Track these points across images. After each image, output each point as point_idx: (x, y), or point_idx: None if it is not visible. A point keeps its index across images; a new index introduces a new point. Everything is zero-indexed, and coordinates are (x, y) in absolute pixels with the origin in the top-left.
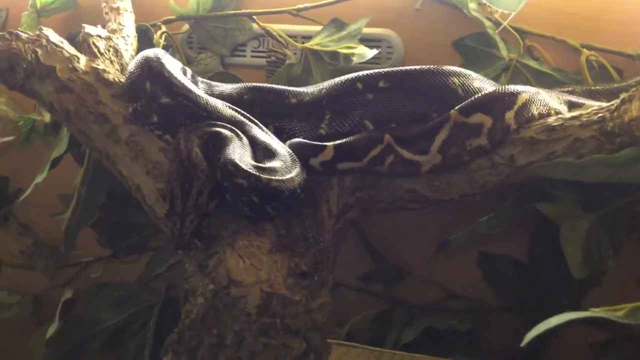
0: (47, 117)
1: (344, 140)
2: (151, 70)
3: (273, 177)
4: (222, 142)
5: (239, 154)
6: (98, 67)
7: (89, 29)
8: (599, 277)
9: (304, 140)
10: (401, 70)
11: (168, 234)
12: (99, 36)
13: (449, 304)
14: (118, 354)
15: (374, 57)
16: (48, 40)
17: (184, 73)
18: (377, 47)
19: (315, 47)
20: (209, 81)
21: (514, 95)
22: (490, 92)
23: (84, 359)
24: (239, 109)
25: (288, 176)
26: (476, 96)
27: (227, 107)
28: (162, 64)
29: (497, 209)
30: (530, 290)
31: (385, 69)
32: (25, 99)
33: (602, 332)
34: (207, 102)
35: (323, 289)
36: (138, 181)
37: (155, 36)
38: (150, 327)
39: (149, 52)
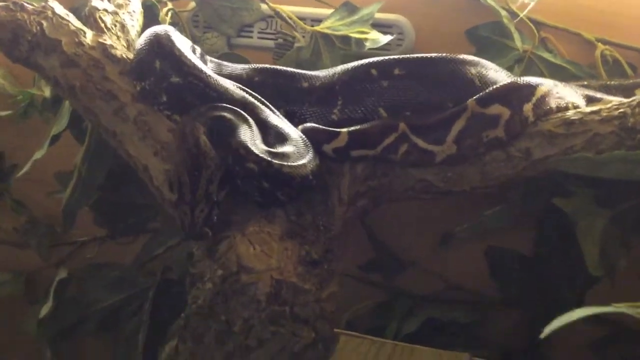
0: (46, 91)
1: (358, 126)
2: (161, 48)
3: (285, 163)
4: (228, 127)
5: (251, 137)
6: (105, 42)
7: (95, 2)
8: (610, 275)
9: (317, 126)
10: (417, 57)
11: (177, 223)
12: (106, 10)
13: (450, 296)
14: (112, 335)
15: (383, 43)
16: (54, 12)
17: (194, 51)
18: (387, 32)
19: (326, 31)
20: (218, 60)
21: (533, 87)
22: (509, 83)
23: (77, 340)
24: (250, 91)
25: (300, 162)
26: (495, 86)
27: (238, 89)
28: (172, 42)
29: (504, 202)
30: (534, 284)
31: (401, 56)
32: (23, 72)
33: (602, 329)
34: (218, 83)
35: (332, 278)
36: (146, 162)
37: (161, 13)
38: (145, 310)
39: (159, 29)
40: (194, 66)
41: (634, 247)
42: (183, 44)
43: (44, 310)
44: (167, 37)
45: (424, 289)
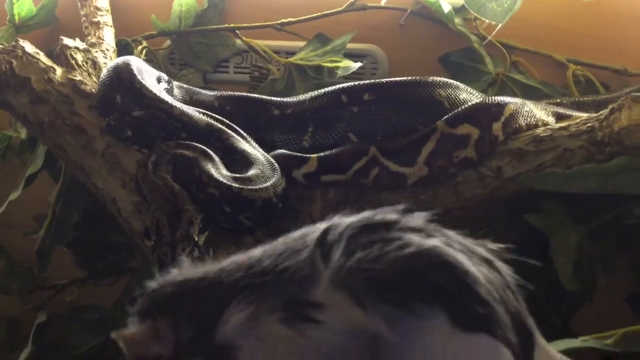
0: (23, 133)
1: (328, 152)
2: (121, 82)
3: (245, 187)
4: (189, 161)
5: (213, 165)
6: (75, 78)
7: (66, 41)
8: (589, 293)
9: (287, 152)
10: (386, 82)
11: (156, 263)
12: (77, 48)
13: None
14: None
15: (358, 72)
16: (24, 51)
17: (159, 81)
18: (361, 62)
19: (299, 62)
20: (188, 87)
21: (501, 106)
22: (476, 103)
23: None
24: (217, 116)
25: (262, 185)
26: (463, 107)
27: (203, 116)
28: (132, 74)
29: (485, 227)
30: None
31: (371, 81)
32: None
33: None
34: (181, 112)
35: None
36: (114, 194)
37: (135, 51)
38: None
39: (119, 61)
40: (156, 97)
41: (619, 267)
42: (145, 74)
43: (23, 355)
44: (127, 70)
45: None
